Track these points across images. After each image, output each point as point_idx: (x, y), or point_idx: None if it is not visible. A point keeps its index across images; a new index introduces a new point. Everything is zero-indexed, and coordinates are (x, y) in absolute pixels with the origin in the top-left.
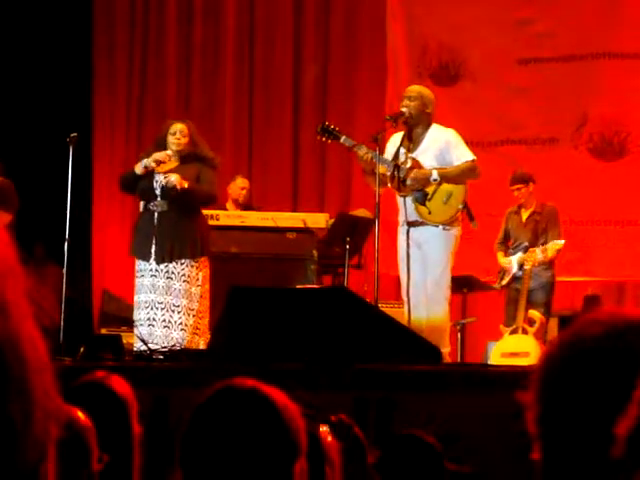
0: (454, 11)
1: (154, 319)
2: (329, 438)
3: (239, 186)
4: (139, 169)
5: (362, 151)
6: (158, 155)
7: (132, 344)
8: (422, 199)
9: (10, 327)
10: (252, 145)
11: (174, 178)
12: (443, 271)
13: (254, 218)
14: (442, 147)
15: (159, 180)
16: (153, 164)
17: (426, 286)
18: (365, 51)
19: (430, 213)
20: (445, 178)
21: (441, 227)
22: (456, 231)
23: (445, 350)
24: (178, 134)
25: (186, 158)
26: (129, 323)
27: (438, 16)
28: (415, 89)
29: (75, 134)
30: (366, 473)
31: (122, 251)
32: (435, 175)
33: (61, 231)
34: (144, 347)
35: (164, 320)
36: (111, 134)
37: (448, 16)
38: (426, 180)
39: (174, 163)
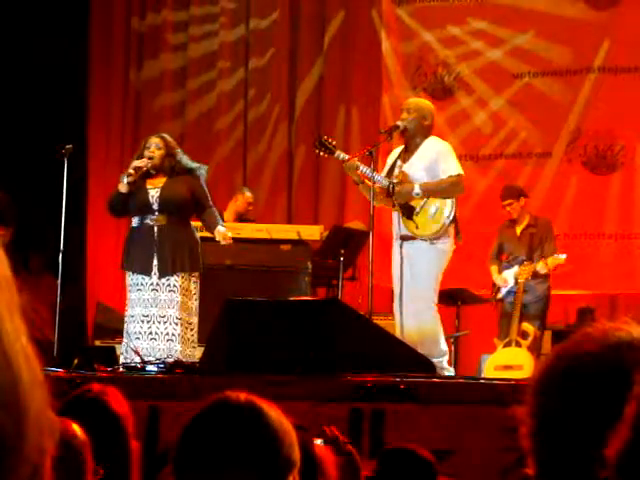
0: (449, 25)
1: (157, 333)
2: (326, 453)
3: (247, 201)
4: (122, 187)
5: (352, 168)
6: (136, 162)
7: (120, 356)
8: (409, 213)
9: (3, 343)
10: (246, 157)
11: (225, 236)
12: (428, 284)
13: (248, 230)
14: (432, 159)
15: (154, 195)
16: (132, 171)
17: (413, 298)
18: (360, 65)
19: (417, 227)
20: (427, 192)
21: (428, 241)
22: (445, 245)
23: (439, 359)
24: (153, 147)
25: (172, 172)
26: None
27: (433, 30)
28: (413, 102)
29: (70, 146)
30: None
31: (116, 263)
32: (417, 189)
33: (55, 243)
34: (134, 359)
35: (167, 333)
36: (106, 145)
37: (443, 30)
38: (409, 194)
39: (162, 179)
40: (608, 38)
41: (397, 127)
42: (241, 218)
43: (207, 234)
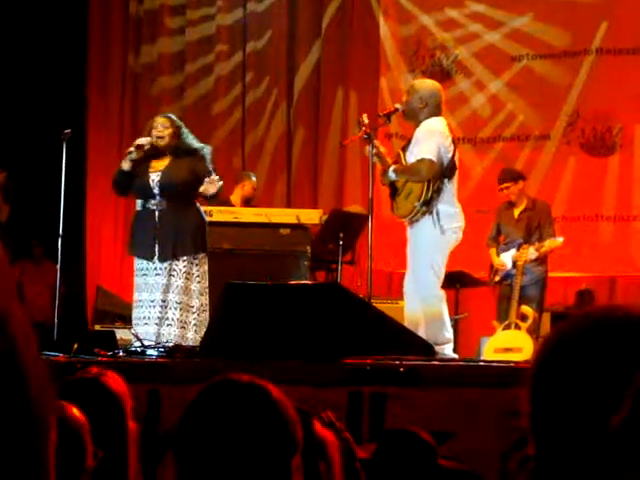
0: (446, 8)
1: (165, 318)
2: (329, 436)
3: (253, 186)
4: (125, 163)
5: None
6: (139, 140)
7: (126, 340)
8: (393, 194)
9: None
10: (245, 141)
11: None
12: (426, 267)
13: (247, 214)
14: (415, 141)
15: (155, 179)
16: (132, 149)
17: (415, 281)
18: (358, 48)
19: (398, 208)
20: (398, 174)
21: (408, 224)
22: (423, 226)
23: (442, 346)
24: (160, 127)
25: (177, 152)
26: (125, 320)
27: (431, 13)
28: (413, 84)
29: (69, 130)
30: (352, 470)
31: (116, 248)
32: (390, 171)
33: (55, 228)
34: (138, 344)
35: (168, 318)
36: (105, 130)
37: (441, 13)
38: (386, 175)
39: (166, 160)
40: (606, 20)
41: (396, 110)
42: (248, 203)
43: (208, 218)
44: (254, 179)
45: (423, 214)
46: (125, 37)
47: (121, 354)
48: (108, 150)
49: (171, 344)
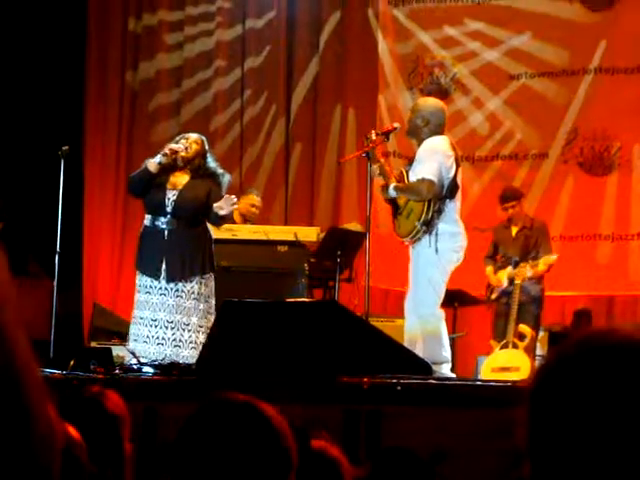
0: (445, 26)
1: (163, 338)
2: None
3: (251, 203)
4: (153, 165)
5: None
6: (173, 145)
7: (122, 358)
8: (394, 212)
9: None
10: (243, 158)
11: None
12: (417, 284)
13: (245, 231)
14: (416, 160)
15: (171, 197)
16: (167, 151)
17: (415, 300)
18: (356, 65)
19: (399, 227)
20: (398, 192)
21: (409, 243)
22: (424, 246)
23: (440, 366)
24: (191, 140)
25: (196, 173)
26: (121, 337)
27: (429, 31)
28: (416, 102)
29: (67, 147)
30: None
31: (113, 264)
32: (391, 189)
33: (52, 244)
34: (134, 360)
35: (174, 339)
36: (102, 146)
37: (439, 31)
38: (387, 192)
39: (185, 178)
40: (604, 39)
41: (395, 129)
42: (245, 220)
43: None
44: (253, 196)
45: (424, 234)
46: (123, 54)
47: (117, 371)
48: (106, 166)
49: (167, 362)
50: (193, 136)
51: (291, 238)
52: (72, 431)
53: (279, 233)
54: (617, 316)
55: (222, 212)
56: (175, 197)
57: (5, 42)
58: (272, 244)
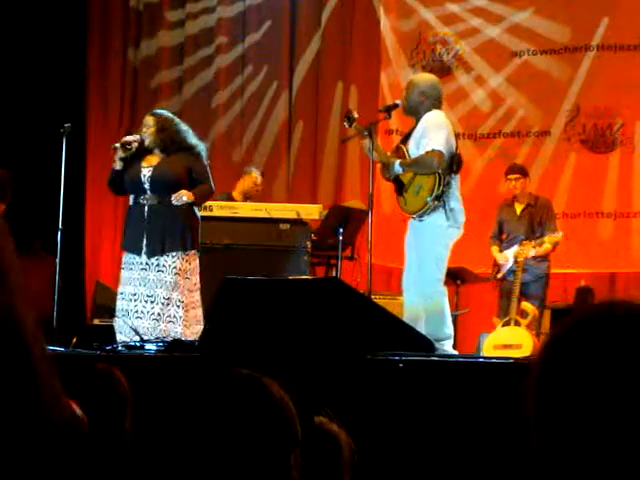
0: (447, 2)
1: (142, 312)
2: (341, 434)
3: (254, 182)
4: (117, 164)
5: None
6: (125, 138)
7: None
8: (399, 190)
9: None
10: (245, 135)
11: (177, 197)
12: (430, 263)
13: (247, 209)
14: (420, 134)
15: (146, 174)
16: (117, 145)
17: (418, 276)
18: (358, 42)
19: (406, 204)
20: (406, 167)
21: (417, 218)
22: (434, 221)
23: (442, 342)
24: (145, 127)
25: (166, 148)
26: None
27: (432, 7)
28: (412, 78)
29: (68, 125)
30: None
31: (115, 242)
32: (397, 166)
33: (54, 222)
34: (130, 335)
35: (153, 313)
36: (104, 124)
37: (442, 7)
38: (392, 169)
39: (158, 157)
40: (607, 16)
41: (396, 105)
42: (248, 199)
43: (207, 213)
44: (255, 174)
45: (435, 209)
46: (125, 31)
47: (120, 348)
48: (108, 144)
49: (170, 339)
50: (146, 120)
51: (293, 216)
52: (74, 406)
53: (281, 211)
54: (619, 293)
55: (176, 203)
56: (150, 173)
57: (6, 21)
58: (274, 222)
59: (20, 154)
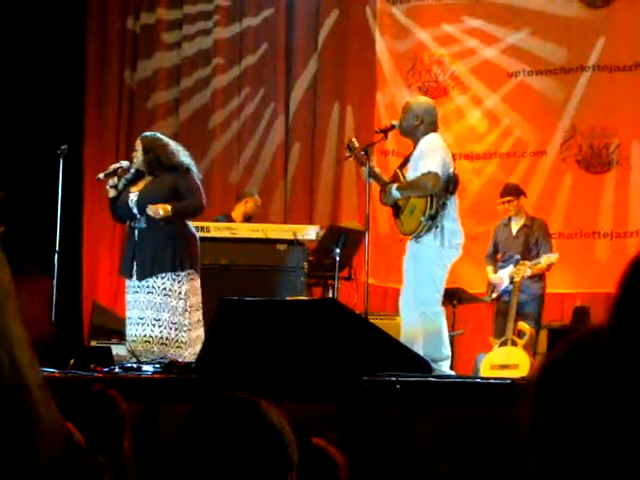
0: (443, 23)
1: (136, 335)
2: (339, 455)
3: (257, 204)
4: (110, 192)
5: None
6: (111, 166)
7: (122, 357)
8: (396, 212)
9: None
10: (242, 157)
11: (153, 210)
12: (427, 284)
13: (244, 230)
14: (417, 157)
15: (133, 198)
16: (101, 175)
17: (415, 297)
18: (354, 63)
19: (402, 225)
20: (402, 191)
21: (414, 239)
22: (430, 241)
23: (440, 363)
24: (135, 150)
25: (152, 170)
26: (120, 336)
27: (427, 28)
28: (408, 101)
29: (65, 146)
30: None
31: (112, 263)
32: (394, 190)
33: (51, 243)
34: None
35: (144, 335)
36: (101, 146)
37: (437, 28)
38: (390, 194)
39: (145, 180)
40: (603, 36)
41: (393, 126)
42: (249, 220)
43: (205, 234)
44: (255, 197)
45: (429, 229)
46: (122, 53)
47: (117, 370)
48: (104, 165)
49: (167, 360)
50: (137, 143)
51: (290, 236)
52: (71, 428)
53: (278, 231)
54: None
55: (154, 215)
56: (136, 197)
57: (4, 42)
58: (271, 242)
59: (17, 175)
